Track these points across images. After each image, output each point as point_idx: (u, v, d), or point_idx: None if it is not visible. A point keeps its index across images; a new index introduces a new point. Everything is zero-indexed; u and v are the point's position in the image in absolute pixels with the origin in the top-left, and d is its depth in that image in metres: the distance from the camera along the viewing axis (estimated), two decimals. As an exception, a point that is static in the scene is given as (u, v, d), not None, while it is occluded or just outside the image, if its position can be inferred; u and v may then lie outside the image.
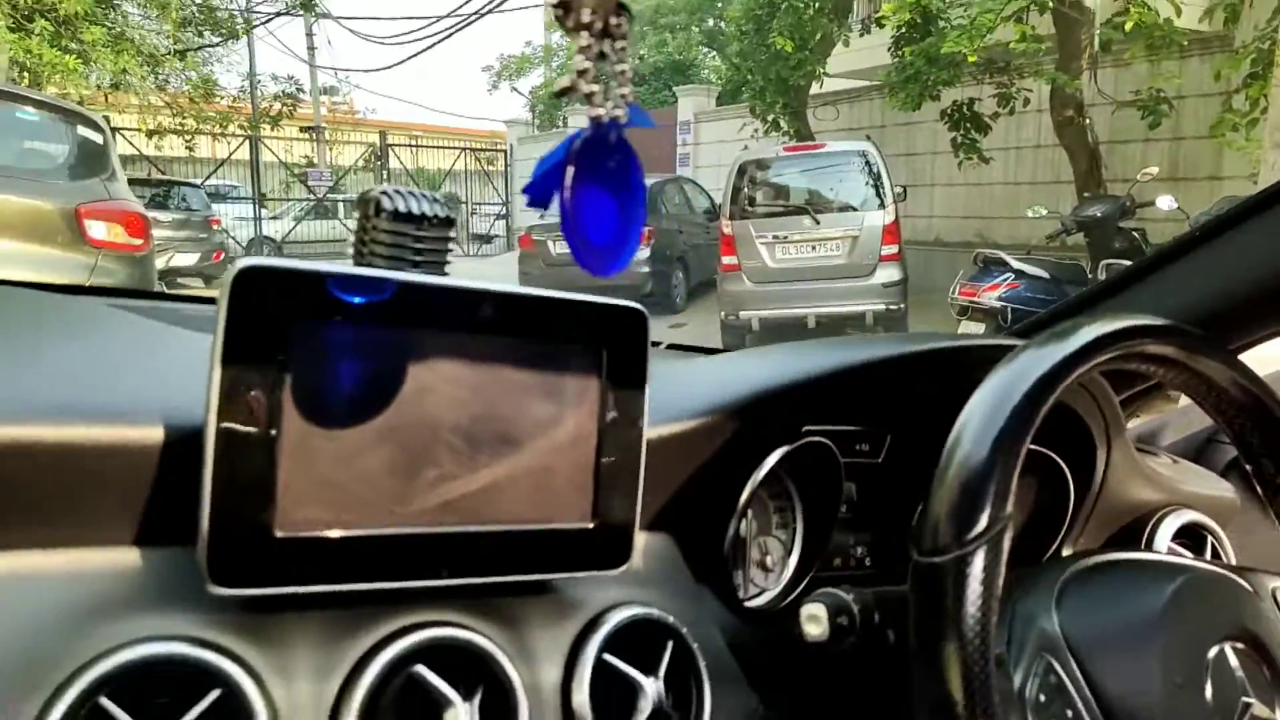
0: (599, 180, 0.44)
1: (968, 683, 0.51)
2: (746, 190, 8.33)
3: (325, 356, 0.54)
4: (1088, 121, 7.85)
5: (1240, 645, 0.62)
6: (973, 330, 5.91)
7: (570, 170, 0.43)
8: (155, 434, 0.54)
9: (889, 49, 8.82)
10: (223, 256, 10.82)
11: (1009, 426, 0.57)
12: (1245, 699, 0.60)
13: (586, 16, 0.45)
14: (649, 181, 10.15)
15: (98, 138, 4.73)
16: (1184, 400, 1.34)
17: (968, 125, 8.88)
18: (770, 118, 10.95)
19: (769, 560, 0.87)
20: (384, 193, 0.59)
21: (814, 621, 0.64)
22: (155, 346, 0.75)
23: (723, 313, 8.09)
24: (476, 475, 0.59)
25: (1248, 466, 0.75)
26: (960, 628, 0.52)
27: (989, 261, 6.98)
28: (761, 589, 0.87)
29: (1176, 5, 6.55)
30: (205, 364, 0.51)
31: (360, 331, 0.55)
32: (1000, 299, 6.00)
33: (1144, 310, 0.70)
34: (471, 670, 0.59)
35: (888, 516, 0.93)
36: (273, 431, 0.51)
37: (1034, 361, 0.60)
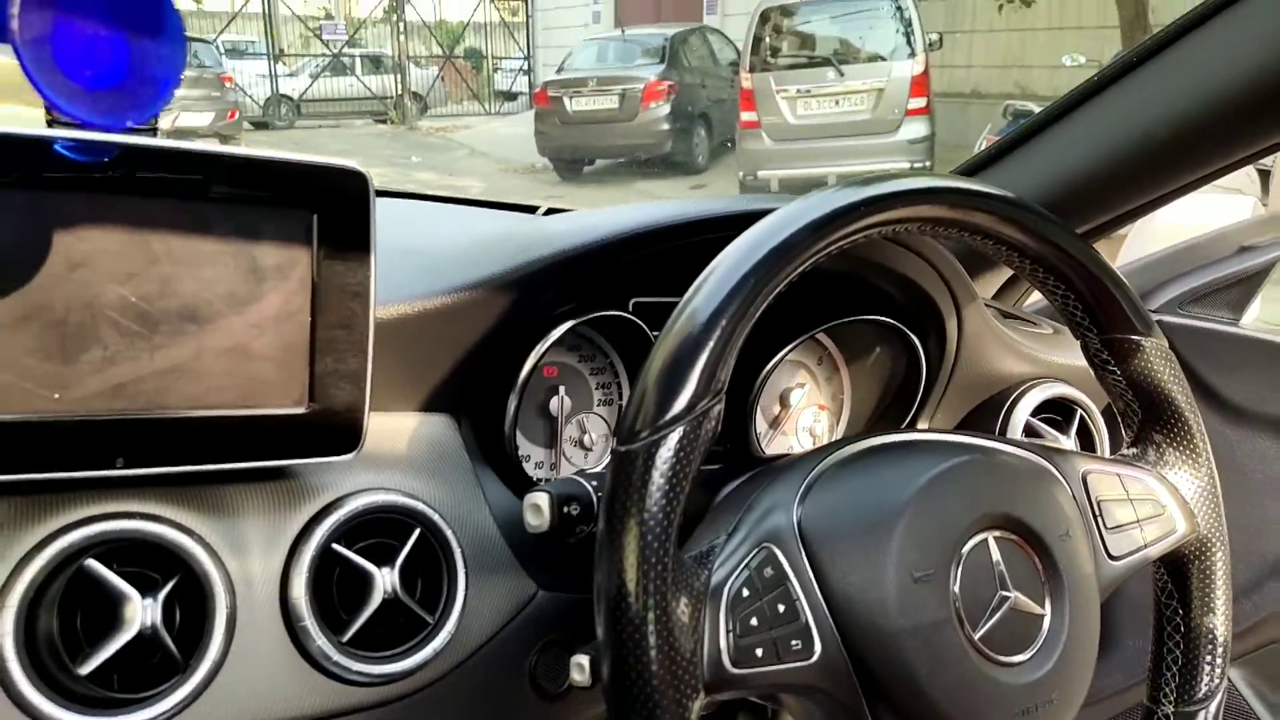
0: (82, 5, 0.36)
1: (641, 577, 0.47)
2: (769, 40, 7.91)
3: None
4: (1138, -43, 7.27)
5: (1006, 534, 0.56)
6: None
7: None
8: None
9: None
10: (237, 115, 10.65)
11: (726, 302, 0.50)
12: (1004, 593, 0.55)
13: None
14: (669, 31, 9.68)
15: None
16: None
17: (1011, -39, 8.28)
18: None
19: (588, 438, 0.83)
20: None
21: (534, 511, 0.60)
22: None
23: (740, 172, 7.83)
24: (154, 357, 0.54)
25: (1077, 340, 0.68)
26: (641, 518, 0.48)
27: (1018, 115, 6.62)
28: (579, 469, 0.82)
29: None
30: None
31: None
32: (1028, 155, 5.70)
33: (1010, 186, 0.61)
34: (164, 563, 0.56)
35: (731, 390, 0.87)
36: None
37: (774, 228, 0.52)
